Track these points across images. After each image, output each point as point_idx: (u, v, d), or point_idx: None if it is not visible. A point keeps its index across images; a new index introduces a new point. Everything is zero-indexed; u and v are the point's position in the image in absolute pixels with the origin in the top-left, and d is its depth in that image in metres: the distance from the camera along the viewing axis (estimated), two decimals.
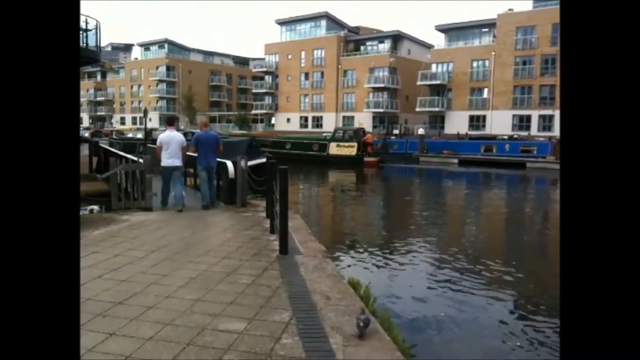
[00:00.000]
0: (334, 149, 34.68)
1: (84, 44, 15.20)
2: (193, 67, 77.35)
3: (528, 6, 44.80)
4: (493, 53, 44.95)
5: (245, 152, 13.94)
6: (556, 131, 38.79)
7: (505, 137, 37.40)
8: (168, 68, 75.29)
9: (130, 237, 7.14)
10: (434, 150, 35.78)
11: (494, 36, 46.31)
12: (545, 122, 42.38)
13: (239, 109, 73.87)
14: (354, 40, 58.54)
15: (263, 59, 64.99)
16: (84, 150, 21.80)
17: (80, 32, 14.90)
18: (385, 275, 8.77)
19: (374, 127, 52.62)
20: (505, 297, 7.66)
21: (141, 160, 10.58)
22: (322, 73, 58.13)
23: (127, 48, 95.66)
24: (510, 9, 45.44)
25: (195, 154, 10.21)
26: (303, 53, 59.47)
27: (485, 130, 45.06)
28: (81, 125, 74.94)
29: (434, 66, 49.59)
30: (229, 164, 10.38)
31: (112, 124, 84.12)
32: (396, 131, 47.65)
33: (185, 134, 32.71)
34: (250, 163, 10.56)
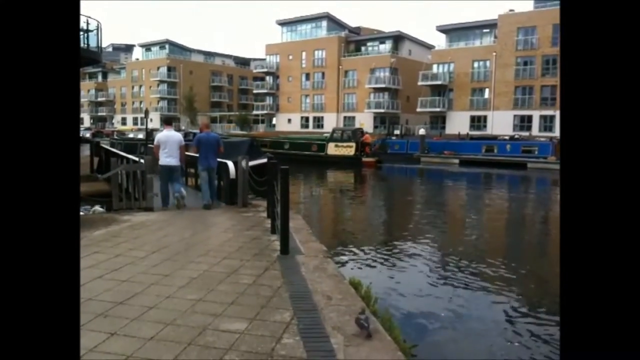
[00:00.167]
0: (332, 149, 34.68)
1: (85, 45, 15.21)
2: (194, 67, 77.41)
3: (529, 7, 44.83)
4: (494, 53, 44.96)
5: (246, 153, 13.93)
6: (557, 131, 38.77)
7: (507, 137, 37.38)
8: (169, 69, 75.36)
9: (131, 237, 7.15)
10: (435, 151, 35.77)
11: (495, 37, 46.33)
12: (547, 123, 42.39)
13: (240, 110, 73.94)
14: (354, 40, 58.57)
15: (264, 59, 65.03)
16: (85, 150, 21.82)
17: (82, 32, 14.92)
18: (387, 276, 8.77)
19: (375, 127, 52.65)
20: (506, 297, 7.65)
21: (142, 161, 10.61)
22: (323, 73, 58.16)
23: (128, 49, 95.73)
24: (511, 10, 45.46)
25: (197, 155, 10.32)
26: (304, 53, 59.51)
27: (486, 130, 45.07)
28: (82, 126, 75.04)
29: (435, 66, 49.61)
30: (230, 164, 10.40)
31: (113, 124, 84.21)
32: (397, 131, 47.67)
33: (186, 135, 32.83)
34: (251, 163, 10.58)
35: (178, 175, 10.11)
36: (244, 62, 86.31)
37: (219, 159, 10.49)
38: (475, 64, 47.11)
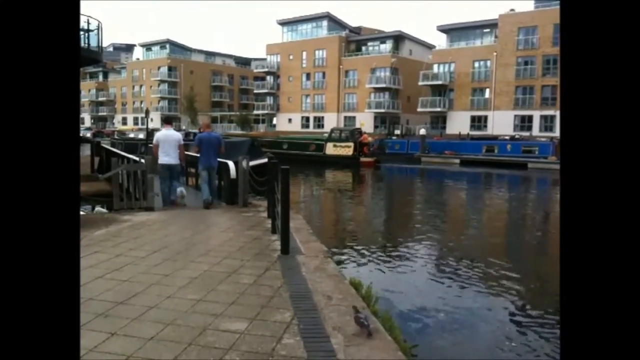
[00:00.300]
0: (330, 149, 34.70)
1: (86, 44, 15.22)
2: (195, 67, 77.43)
3: (529, 6, 44.84)
4: (495, 53, 44.95)
5: (247, 153, 13.95)
6: (558, 132, 38.74)
7: (507, 137, 37.40)
8: (170, 68, 75.39)
9: (132, 237, 7.15)
10: (436, 151, 35.79)
11: (496, 36, 46.33)
12: (547, 123, 42.38)
13: (240, 110, 73.95)
14: (355, 40, 58.57)
15: (264, 59, 65.05)
16: (86, 150, 21.84)
17: (82, 32, 14.93)
18: (387, 275, 8.77)
19: (376, 127, 52.68)
20: (507, 297, 7.65)
21: (143, 161, 10.62)
22: (324, 73, 58.17)
23: (129, 48, 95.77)
24: (511, 9, 45.45)
25: (198, 155, 10.43)
26: (304, 53, 59.53)
27: (486, 130, 45.07)
28: (83, 126, 75.13)
29: (435, 66, 49.61)
30: (231, 164, 10.43)
31: (113, 124, 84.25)
32: (398, 131, 47.70)
33: (186, 134, 32.83)
34: (251, 163, 10.61)
35: (177, 174, 10.22)
36: (244, 62, 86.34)
37: (219, 159, 10.56)
38: (476, 64, 47.10)
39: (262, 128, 64.67)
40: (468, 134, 42.28)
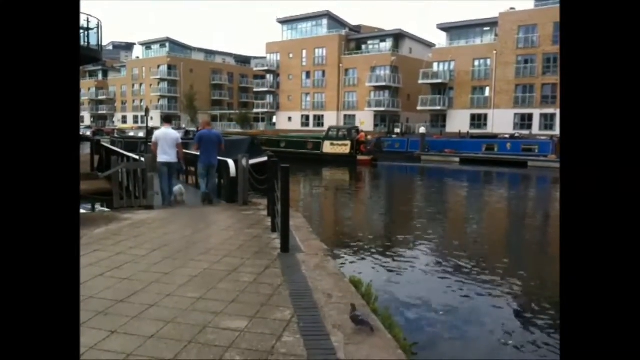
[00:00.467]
0: (327, 147, 34.73)
1: (86, 43, 15.23)
2: (194, 65, 77.35)
3: (530, 5, 44.78)
4: (495, 52, 44.92)
5: (246, 151, 13.96)
6: (558, 130, 38.73)
7: (507, 135, 37.41)
8: (169, 67, 75.29)
9: (132, 235, 7.16)
10: (436, 149, 35.81)
11: (496, 35, 46.28)
12: (547, 121, 42.36)
13: (240, 108, 73.89)
14: (355, 39, 58.51)
15: (264, 57, 64.96)
16: (86, 148, 21.84)
17: (82, 31, 14.94)
18: (387, 274, 8.77)
19: (376, 125, 52.67)
20: (507, 295, 7.66)
21: (143, 159, 10.63)
22: (324, 72, 58.11)
23: (129, 47, 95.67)
24: (512, 8, 45.39)
25: (198, 152, 10.56)
26: (304, 52, 59.46)
27: (486, 129, 45.05)
28: (83, 124, 75.09)
29: (435, 65, 49.57)
30: (231, 162, 10.45)
31: (113, 122, 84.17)
32: (398, 130, 47.70)
33: (186, 133, 32.82)
34: (251, 162, 10.63)
35: (175, 172, 10.42)
36: (244, 61, 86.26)
37: (219, 157, 10.62)
38: (476, 62, 47.07)
39: (262, 126, 64.62)
40: (468, 132, 42.27)
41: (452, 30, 50.44)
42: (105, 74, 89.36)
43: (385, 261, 9.54)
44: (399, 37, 56.06)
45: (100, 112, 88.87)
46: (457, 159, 33.96)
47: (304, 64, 59.61)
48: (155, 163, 9.99)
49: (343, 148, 33.93)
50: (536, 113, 42.77)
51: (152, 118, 61.17)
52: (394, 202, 19.74)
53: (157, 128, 17.92)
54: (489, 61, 46.00)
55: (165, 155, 10.03)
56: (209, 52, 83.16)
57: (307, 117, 59.71)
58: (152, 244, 6.60)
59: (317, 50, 58.58)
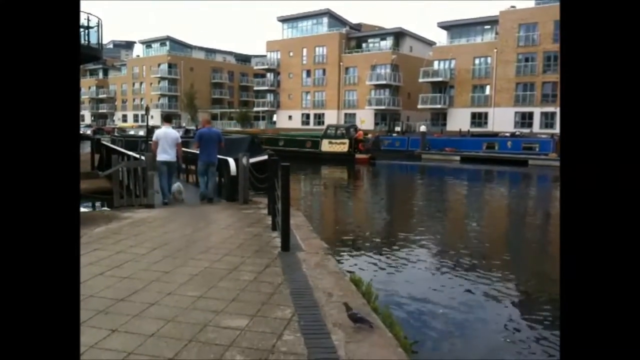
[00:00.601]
0: (326, 146, 34.74)
1: (86, 42, 15.23)
2: (195, 64, 77.31)
3: (530, 3, 44.73)
4: (495, 50, 44.87)
5: (247, 150, 13.96)
6: (558, 128, 38.71)
7: (507, 134, 37.40)
8: (170, 65, 75.26)
9: (132, 234, 7.16)
10: (436, 148, 35.80)
11: (496, 33, 46.23)
12: (548, 120, 42.33)
13: (240, 107, 73.86)
14: (355, 37, 58.46)
15: (265, 56, 64.93)
16: (86, 147, 21.86)
17: (82, 29, 14.94)
18: (387, 272, 8.77)
19: (376, 124, 52.66)
20: (507, 294, 7.66)
21: (143, 158, 10.65)
22: (324, 70, 58.07)
23: (129, 45, 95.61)
24: (512, 6, 45.33)
25: (198, 151, 10.64)
26: (305, 50, 59.42)
27: (487, 127, 45.03)
28: (83, 123, 75.10)
29: (436, 63, 49.53)
30: (231, 161, 10.47)
31: (114, 121, 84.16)
32: (398, 128, 47.69)
33: (186, 131, 32.75)
34: (252, 160, 10.64)
35: (174, 171, 10.54)
36: (244, 59, 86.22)
37: (219, 156, 10.67)
38: (477, 61, 47.02)
39: (262, 125, 64.60)
40: (468, 130, 42.26)
41: (453, 28, 50.39)
42: (105, 73, 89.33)
43: (385, 259, 9.54)
44: (399, 35, 56.00)
45: (100, 110, 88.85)
46: (458, 158, 33.94)
47: (305, 62, 59.57)
48: (155, 162, 10.03)
49: (341, 146, 33.95)
50: (537, 111, 42.74)
51: (152, 117, 61.14)
52: (394, 201, 19.74)
53: (157, 127, 17.95)
54: (489, 59, 45.96)
55: (165, 154, 10.12)
56: (210, 51, 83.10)
57: (308, 116, 59.69)
58: (153, 242, 6.61)
59: (317, 49, 58.54)
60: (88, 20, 15.45)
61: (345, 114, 56.34)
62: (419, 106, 49.67)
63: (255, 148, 18.17)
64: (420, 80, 49.33)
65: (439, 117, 49.84)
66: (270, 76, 63.44)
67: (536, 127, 41.97)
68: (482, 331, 6.32)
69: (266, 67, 63.15)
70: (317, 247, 6.49)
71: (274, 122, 63.38)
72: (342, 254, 9.69)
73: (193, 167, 12.69)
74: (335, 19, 59.52)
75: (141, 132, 34.84)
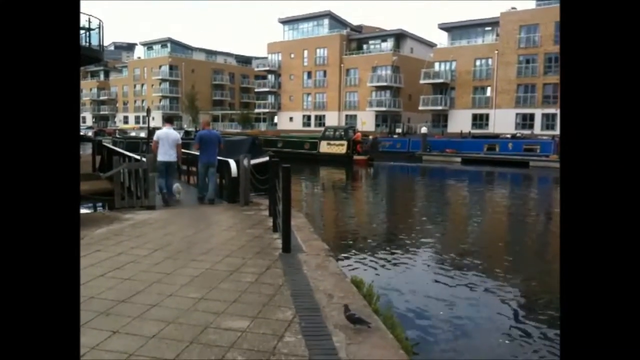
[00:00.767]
0: (324, 147, 34.78)
1: (87, 43, 15.24)
2: (196, 66, 77.41)
3: (531, 5, 44.74)
4: (496, 51, 44.88)
5: (248, 151, 13.96)
6: (559, 130, 38.67)
7: (508, 135, 37.39)
8: (171, 67, 75.38)
9: (134, 235, 7.16)
10: (437, 149, 35.81)
11: (497, 35, 46.25)
12: (549, 121, 42.32)
13: (241, 108, 73.93)
14: (356, 39, 58.52)
15: (266, 57, 65.02)
16: (88, 149, 21.87)
17: (83, 31, 14.96)
18: (388, 274, 8.76)
19: (377, 125, 52.69)
20: (508, 296, 7.65)
21: (144, 159, 10.66)
22: (325, 72, 58.12)
23: (130, 47, 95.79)
24: (513, 8, 45.35)
25: (198, 152, 10.74)
26: (306, 52, 59.48)
27: (488, 128, 45.04)
28: (84, 125, 75.21)
29: (436, 65, 49.56)
30: (232, 162, 10.48)
31: (115, 123, 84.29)
32: (399, 130, 47.69)
33: (187, 133, 32.85)
34: (253, 162, 10.67)
35: (174, 171, 10.65)
36: (245, 61, 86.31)
37: (220, 157, 10.76)
38: (477, 62, 47.04)
39: (263, 127, 64.65)
40: (469, 132, 42.26)
41: (454, 30, 50.42)
42: (106, 75, 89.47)
43: (387, 261, 9.53)
44: (400, 37, 56.05)
45: (102, 112, 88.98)
46: (459, 159, 33.94)
47: (305, 64, 59.62)
48: (156, 162, 10.09)
49: (339, 148, 33.97)
50: (538, 113, 42.73)
51: (153, 118, 61.11)
52: (394, 203, 19.73)
53: (158, 128, 17.96)
54: (490, 61, 45.97)
55: (166, 154, 10.26)
56: (210, 52, 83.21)
57: (309, 117, 59.72)
58: (154, 244, 6.61)
59: (318, 50, 58.59)
60: (89, 22, 15.47)
61: (346, 116, 56.36)
62: (420, 108, 49.68)
63: (256, 149, 18.15)
64: (421, 81, 49.36)
65: (440, 119, 49.85)
66: (271, 78, 63.49)
67: (537, 129, 41.96)
68: (484, 331, 6.31)
69: (267, 68, 63.22)
70: (318, 248, 6.49)
71: (275, 124, 63.43)
72: (343, 255, 9.68)
73: (194, 169, 12.72)
74: (336, 21, 59.58)
75: (142, 134, 34.87)
